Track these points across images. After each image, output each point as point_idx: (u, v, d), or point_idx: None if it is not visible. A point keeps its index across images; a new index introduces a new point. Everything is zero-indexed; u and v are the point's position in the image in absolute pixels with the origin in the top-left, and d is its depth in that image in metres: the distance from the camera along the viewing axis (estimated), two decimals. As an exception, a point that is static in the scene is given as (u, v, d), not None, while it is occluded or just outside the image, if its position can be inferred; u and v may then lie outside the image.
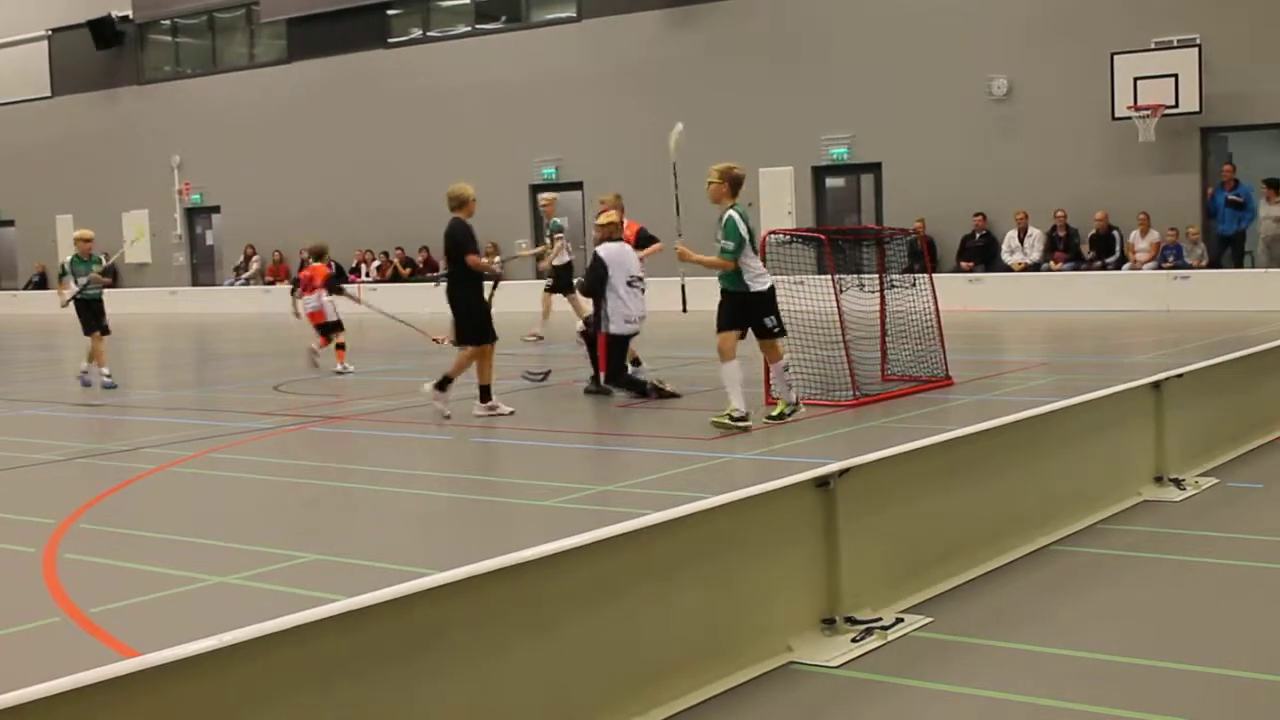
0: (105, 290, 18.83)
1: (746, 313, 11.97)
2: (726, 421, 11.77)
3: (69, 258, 18.67)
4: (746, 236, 11.83)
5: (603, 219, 15.28)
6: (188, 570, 8.04)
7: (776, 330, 12.11)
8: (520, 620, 4.91)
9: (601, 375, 14.95)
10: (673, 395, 14.35)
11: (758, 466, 10.58)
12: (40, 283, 40.65)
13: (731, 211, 11.85)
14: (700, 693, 5.45)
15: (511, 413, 13.53)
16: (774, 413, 12.25)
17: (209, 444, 13.03)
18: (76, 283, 18.28)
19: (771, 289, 12.12)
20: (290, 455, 12.44)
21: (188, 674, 4.05)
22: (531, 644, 4.94)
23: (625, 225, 15.95)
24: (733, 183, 12.10)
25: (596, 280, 14.74)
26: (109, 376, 18.09)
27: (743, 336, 12.08)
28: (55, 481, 11.53)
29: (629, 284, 14.74)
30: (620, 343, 14.76)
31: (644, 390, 14.55)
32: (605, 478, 10.45)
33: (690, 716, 5.32)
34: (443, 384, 13.63)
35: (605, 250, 14.83)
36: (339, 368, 19.21)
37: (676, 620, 5.51)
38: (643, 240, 16.20)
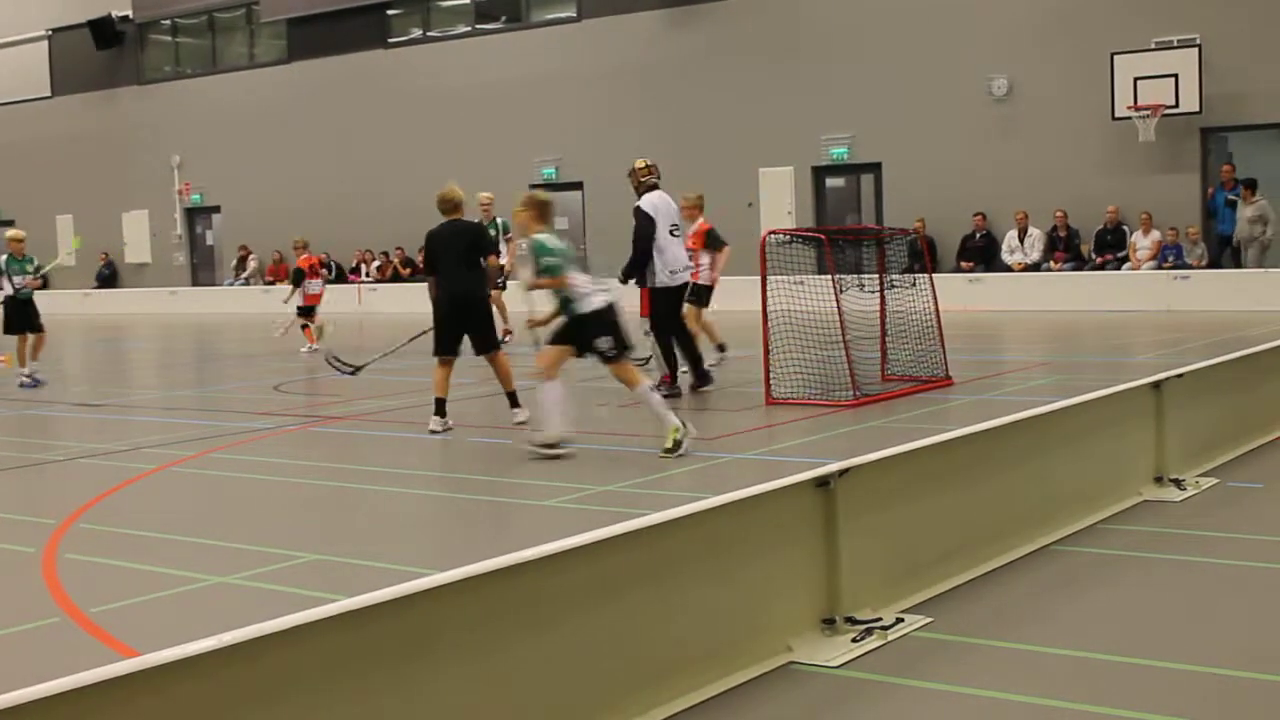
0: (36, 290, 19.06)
1: (579, 335, 11.04)
2: (541, 451, 10.97)
3: (3, 258, 18.83)
4: (560, 257, 11.07)
5: (638, 163, 14.78)
6: (188, 570, 8.04)
7: (613, 353, 10.93)
8: (519, 620, 4.91)
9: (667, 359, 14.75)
10: (674, 395, 14.26)
11: (758, 466, 10.58)
12: (110, 278, 40.70)
13: (537, 237, 11.23)
14: (700, 693, 5.44)
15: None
16: (667, 445, 10.87)
17: (209, 444, 13.03)
18: (12, 283, 18.47)
19: (609, 307, 11.05)
20: (290, 455, 12.43)
21: (188, 674, 4.05)
22: (531, 644, 4.94)
23: (698, 224, 15.87)
24: (539, 210, 11.44)
25: (645, 236, 14.25)
26: (29, 376, 18.48)
27: (577, 355, 11.25)
28: (55, 481, 11.54)
29: (670, 232, 14.45)
30: (667, 295, 14.50)
31: (673, 368, 14.55)
32: (605, 478, 10.43)
33: (690, 716, 5.31)
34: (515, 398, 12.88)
35: (647, 202, 14.38)
36: (312, 348, 21.37)
37: (676, 620, 5.50)
38: (712, 242, 16.10)
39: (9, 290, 18.51)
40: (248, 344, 26.74)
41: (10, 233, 19.43)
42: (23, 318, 18.46)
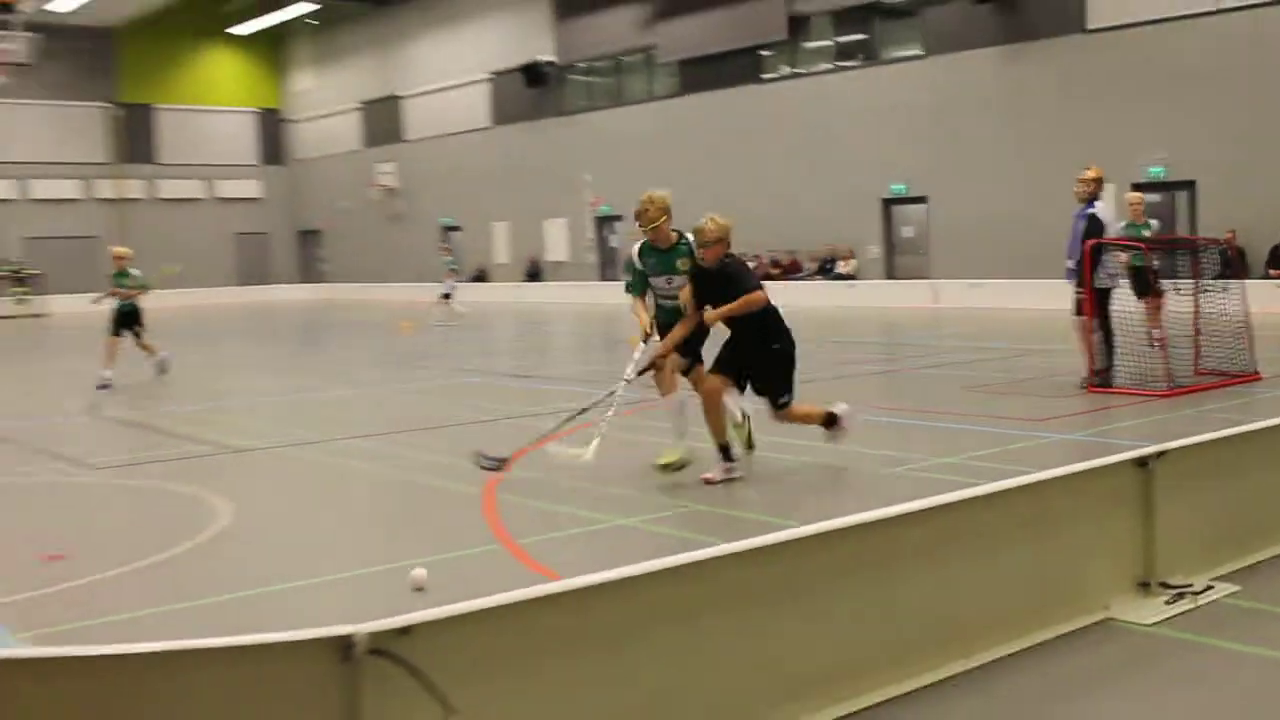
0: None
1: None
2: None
3: (113, 271, 18.28)
4: None
5: (1090, 174, 13.64)
6: (596, 512, 8.29)
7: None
8: (867, 572, 4.92)
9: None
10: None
11: (1079, 447, 10.24)
12: (535, 274, 42.03)
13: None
14: (1025, 640, 5.34)
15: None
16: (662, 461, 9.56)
17: (617, 408, 13.34)
18: (117, 293, 18.09)
19: None
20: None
21: (598, 597, 4.19)
22: (876, 592, 4.94)
23: None
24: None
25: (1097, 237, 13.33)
26: (108, 378, 17.26)
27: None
28: (490, 437, 11.99)
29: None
30: (1104, 296, 13.37)
31: (1108, 362, 13.37)
32: (943, 451, 10.25)
33: (1018, 659, 5.21)
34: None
35: (1100, 209, 13.47)
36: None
37: (1007, 576, 5.39)
38: None
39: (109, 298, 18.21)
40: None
41: (116, 250, 18.82)
42: (125, 322, 18.05)
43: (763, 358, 9.21)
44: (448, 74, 45.03)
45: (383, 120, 48.28)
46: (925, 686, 4.94)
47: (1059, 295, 15.97)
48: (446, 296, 30.68)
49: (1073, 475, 5.68)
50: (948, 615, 5.14)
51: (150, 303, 18.79)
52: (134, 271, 18.28)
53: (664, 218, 9.35)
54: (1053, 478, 5.59)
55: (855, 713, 4.70)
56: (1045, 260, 24.20)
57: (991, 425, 11.38)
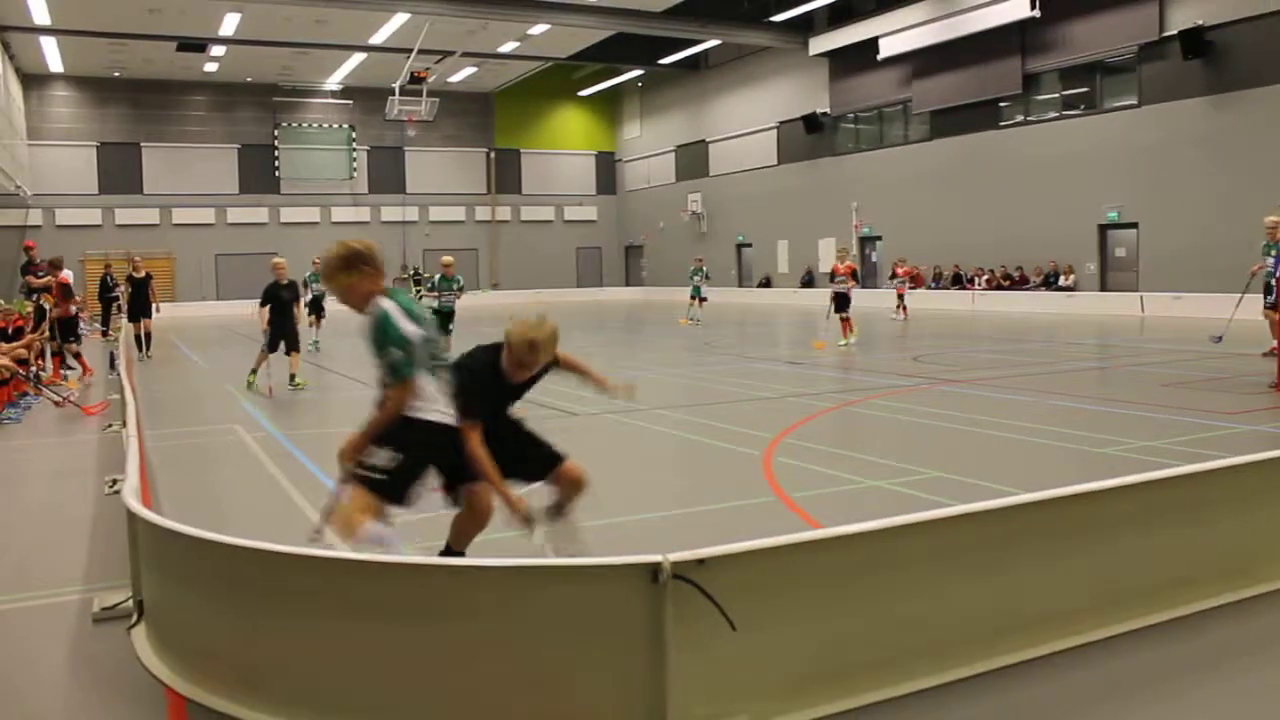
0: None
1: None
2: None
3: (437, 276, 17.68)
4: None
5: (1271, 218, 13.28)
6: (853, 474, 8.19)
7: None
8: (1085, 534, 4.70)
9: None
10: None
11: (1266, 437, 9.46)
12: (809, 282, 41.79)
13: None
14: (1222, 598, 5.01)
15: None
16: None
17: (869, 393, 13.15)
18: (439, 296, 17.42)
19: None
20: (924, 404, 12.31)
21: (854, 544, 4.14)
22: (1100, 550, 4.70)
23: None
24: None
25: None
26: None
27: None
28: (772, 411, 12.03)
29: None
30: None
31: None
32: (1147, 436, 9.66)
33: (1221, 611, 4.89)
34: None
35: None
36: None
37: (1207, 541, 5.06)
38: None
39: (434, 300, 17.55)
40: (898, 325, 26.55)
41: (444, 259, 18.06)
42: (445, 320, 17.10)
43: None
44: (743, 123, 45.19)
45: (692, 160, 48.83)
46: (1140, 629, 4.72)
47: (1252, 307, 14.84)
48: (703, 299, 30.67)
49: (1270, 460, 5.28)
50: (1151, 573, 4.87)
51: (505, 299, 19.32)
52: (460, 278, 17.91)
53: (349, 276, 4.70)
54: (1247, 462, 5.21)
55: (1066, 650, 4.50)
56: (1242, 277, 22.51)
57: (1188, 416, 10.66)
